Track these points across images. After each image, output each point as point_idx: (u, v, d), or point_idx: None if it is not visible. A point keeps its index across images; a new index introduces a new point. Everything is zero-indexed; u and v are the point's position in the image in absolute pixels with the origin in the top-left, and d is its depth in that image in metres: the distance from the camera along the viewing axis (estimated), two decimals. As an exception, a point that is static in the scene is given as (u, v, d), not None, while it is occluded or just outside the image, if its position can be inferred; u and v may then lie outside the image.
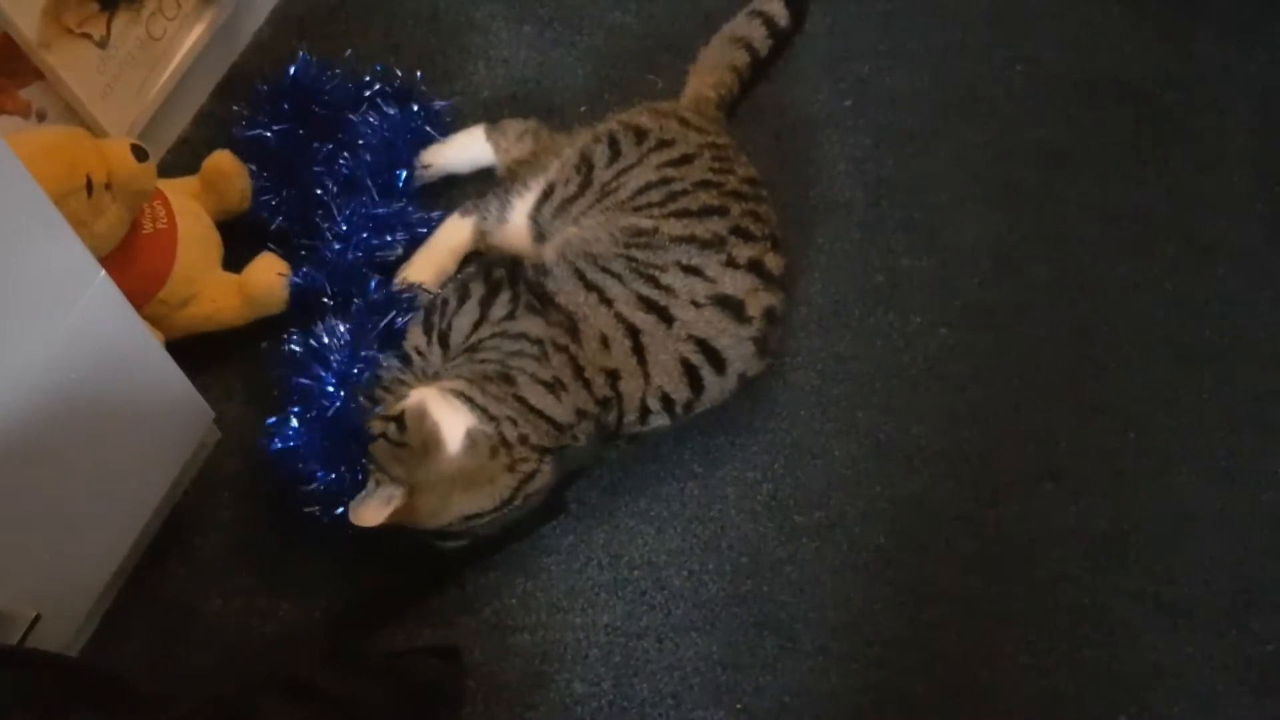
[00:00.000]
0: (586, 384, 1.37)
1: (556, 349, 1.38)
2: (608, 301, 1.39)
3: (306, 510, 1.38)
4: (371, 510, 1.29)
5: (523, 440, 1.34)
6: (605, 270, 1.41)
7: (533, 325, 1.40)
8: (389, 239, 1.52)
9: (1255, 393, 1.59)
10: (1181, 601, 1.47)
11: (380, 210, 1.52)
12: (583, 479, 1.48)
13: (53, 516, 1.21)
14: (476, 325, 1.43)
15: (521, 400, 1.35)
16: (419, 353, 1.44)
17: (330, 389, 1.37)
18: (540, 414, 1.35)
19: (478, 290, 1.45)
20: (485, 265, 1.49)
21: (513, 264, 1.46)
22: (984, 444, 1.55)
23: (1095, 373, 1.60)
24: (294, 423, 1.37)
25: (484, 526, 1.36)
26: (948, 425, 1.56)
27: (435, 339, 1.44)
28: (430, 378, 1.41)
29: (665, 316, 1.39)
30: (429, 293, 1.50)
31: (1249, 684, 1.44)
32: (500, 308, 1.42)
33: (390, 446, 1.33)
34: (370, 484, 1.32)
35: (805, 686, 1.42)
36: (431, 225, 1.57)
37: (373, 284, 1.47)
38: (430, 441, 1.32)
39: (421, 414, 1.33)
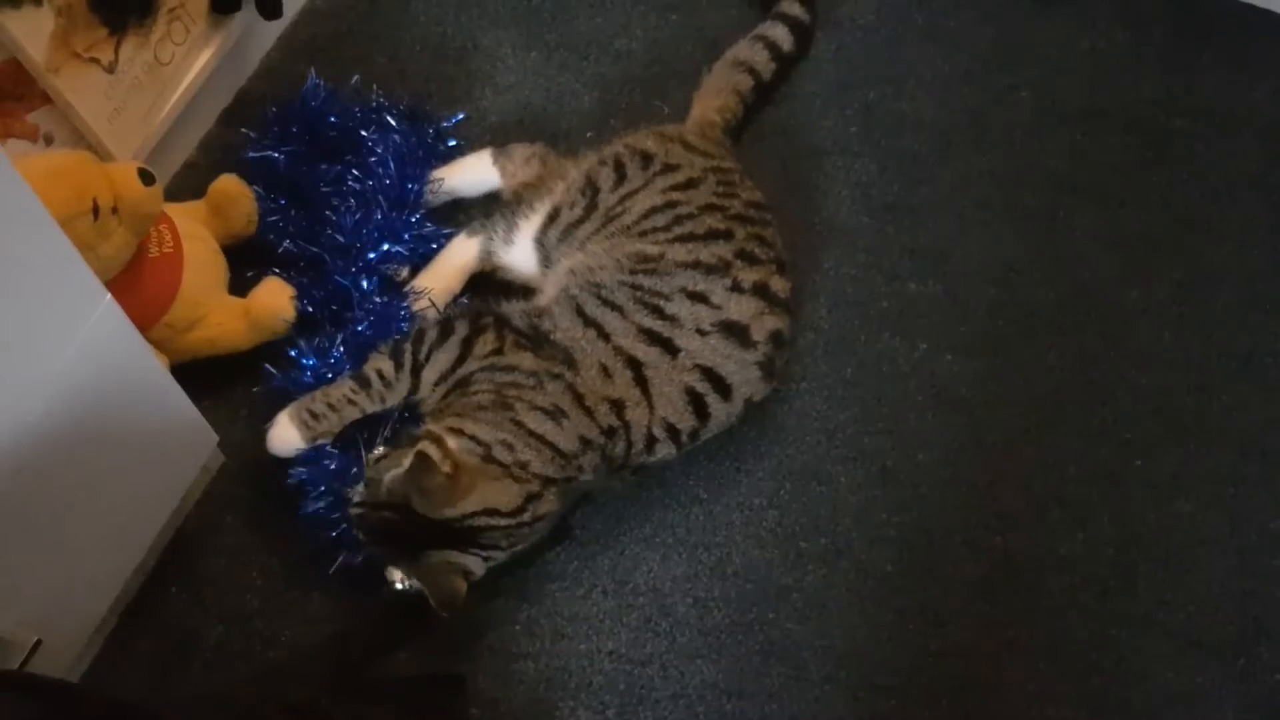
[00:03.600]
0: (589, 412, 1.36)
1: (552, 377, 1.37)
2: (605, 336, 1.39)
3: (311, 534, 1.39)
4: (438, 456, 1.24)
5: (522, 466, 1.32)
6: (607, 303, 1.40)
7: (523, 359, 1.38)
8: (397, 249, 1.52)
9: (1263, 418, 1.59)
10: (1190, 629, 1.46)
11: (388, 221, 1.52)
12: (588, 504, 1.48)
13: (55, 540, 1.21)
14: (459, 362, 1.39)
15: (519, 424, 1.34)
16: (381, 377, 1.40)
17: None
18: (542, 440, 1.34)
19: (462, 329, 1.41)
20: (473, 310, 1.47)
21: (501, 314, 1.44)
22: (990, 470, 1.55)
23: (1102, 399, 1.60)
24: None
25: (498, 535, 1.31)
26: (954, 451, 1.55)
27: (407, 369, 1.40)
28: (382, 405, 1.40)
29: (670, 348, 1.38)
30: (436, 306, 1.50)
31: (1260, 712, 1.42)
32: (485, 345, 1.40)
33: (403, 450, 1.29)
34: (410, 456, 1.25)
35: (811, 715, 1.40)
36: (440, 241, 1.57)
37: (379, 299, 1.48)
38: (439, 438, 1.30)
39: (428, 433, 1.32)
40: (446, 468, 1.25)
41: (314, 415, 1.38)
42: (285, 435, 1.39)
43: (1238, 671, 1.44)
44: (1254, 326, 1.65)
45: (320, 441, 1.39)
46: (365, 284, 1.48)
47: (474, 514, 1.29)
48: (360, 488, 1.32)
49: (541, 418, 1.34)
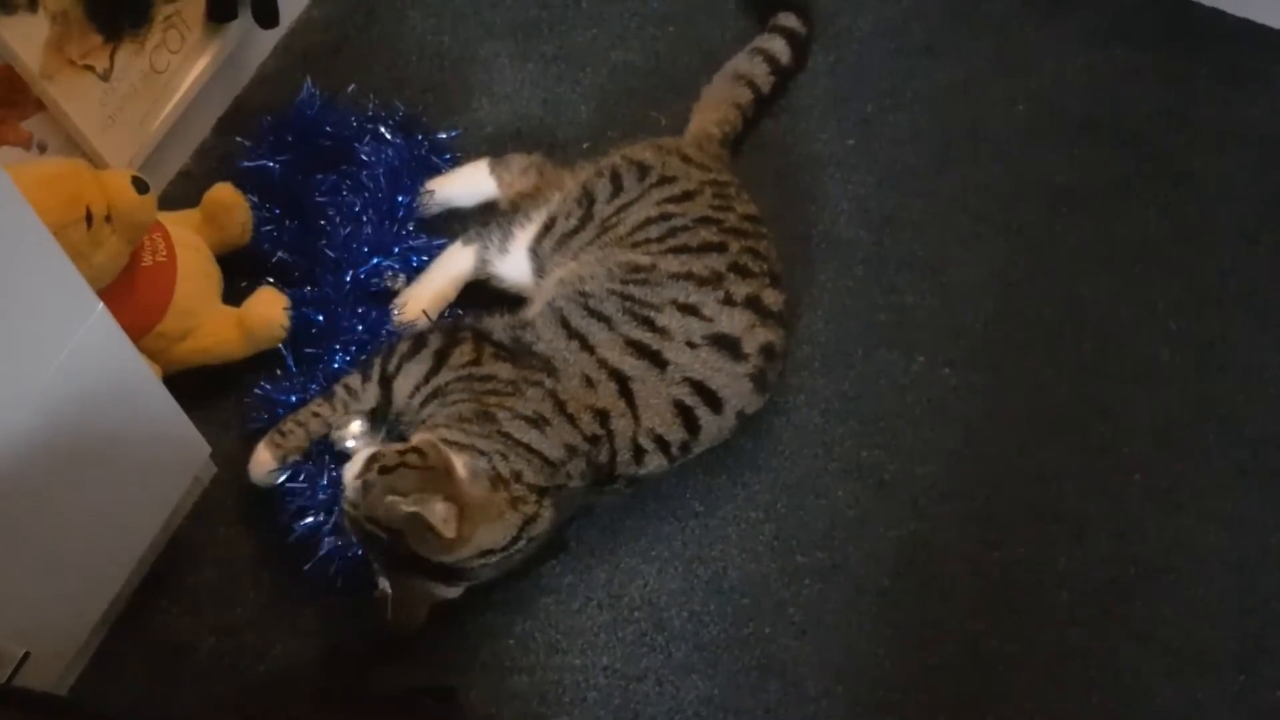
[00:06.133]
0: (571, 419, 1.34)
1: (531, 384, 1.35)
2: (590, 349, 1.37)
3: (300, 545, 1.37)
4: (443, 519, 1.22)
5: (517, 477, 1.30)
6: (594, 313, 1.39)
7: (501, 369, 1.37)
8: (387, 262, 1.51)
9: (1262, 434, 1.58)
10: (1189, 646, 1.45)
11: (380, 233, 1.52)
12: (583, 517, 1.47)
13: (44, 551, 1.19)
14: (433, 372, 1.39)
15: (506, 436, 1.32)
16: (348, 389, 1.41)
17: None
18: (529, 449, 1.32)
19: (435, 342, 1.41)
20: (451, 324, 1.46)
21: (480, 328, 1.43)
22: (988, 485, 1.54)
23: (1099, 414, 1.59)
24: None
25: (489, 569, 1.32)
26: (952, 466, 1.55)
27: (375, 380, 1.41)
28: (348, 415, 1.41)
29: (658, 361, 1.37)
30: (429, 318, 1.49)
31: (1259, 731, 1.42)
32: (462, 356, 1.39)
33: (413, 472, 1.26)
34: (415, 505, 1.23)
35: (808, 731, 1.39)
36: (432, 252, 1.56)
37: (372, 314, 1.47)
38: (448, 466, 1.28)
39: (434, 444, 1.30)
40: (450, 531, 1.23)
41: (282, 434, 1.41)
42: (259, 459, 1.40)
43: (1238, 688, 1.43)
44: (1252, 342, 1.64)
45: (292, 459, 1.40)
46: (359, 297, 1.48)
47: (469, 558, 1.29)
48: (355, 480, 1.28)
49: (526, 426, 1.33)
